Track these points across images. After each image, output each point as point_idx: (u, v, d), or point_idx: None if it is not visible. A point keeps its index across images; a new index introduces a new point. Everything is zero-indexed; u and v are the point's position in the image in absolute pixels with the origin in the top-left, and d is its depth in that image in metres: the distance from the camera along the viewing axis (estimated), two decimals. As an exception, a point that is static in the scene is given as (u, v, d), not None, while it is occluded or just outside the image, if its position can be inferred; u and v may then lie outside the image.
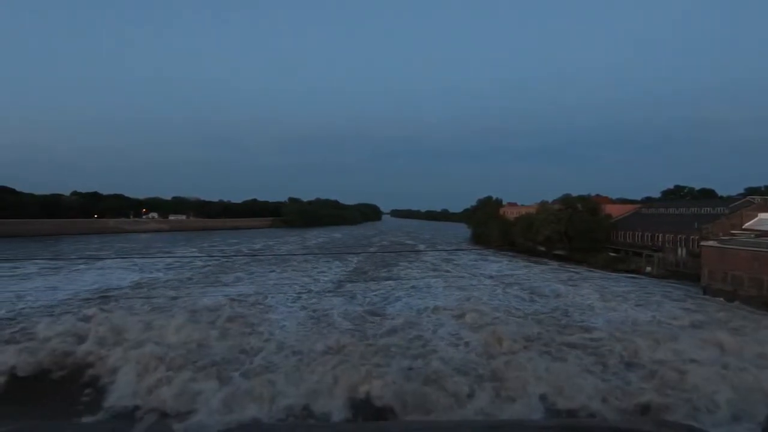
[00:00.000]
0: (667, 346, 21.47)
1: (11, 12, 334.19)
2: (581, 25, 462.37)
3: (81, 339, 21.07)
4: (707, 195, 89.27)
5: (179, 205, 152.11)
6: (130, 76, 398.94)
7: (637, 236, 58.01)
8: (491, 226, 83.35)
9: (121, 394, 16.64)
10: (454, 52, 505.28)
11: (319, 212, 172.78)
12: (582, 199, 69.13)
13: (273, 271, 46.65)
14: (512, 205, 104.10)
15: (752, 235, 39.08)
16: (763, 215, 44.42)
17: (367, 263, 56.20)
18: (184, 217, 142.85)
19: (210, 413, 15.48)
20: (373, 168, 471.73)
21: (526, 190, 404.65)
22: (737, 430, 14.17)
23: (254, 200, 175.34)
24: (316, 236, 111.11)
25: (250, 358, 19.75)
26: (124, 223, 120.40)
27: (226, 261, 51.25)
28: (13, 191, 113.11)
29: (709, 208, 53.61)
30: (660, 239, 53.23)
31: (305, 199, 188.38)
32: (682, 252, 47.90)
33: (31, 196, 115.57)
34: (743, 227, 43.82)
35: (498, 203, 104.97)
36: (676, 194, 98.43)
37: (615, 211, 69.58)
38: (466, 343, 22.19)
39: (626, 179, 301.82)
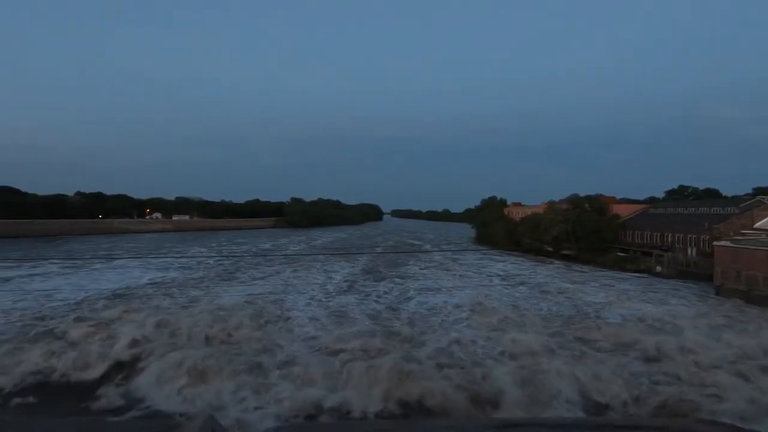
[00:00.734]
0: (687, 345, 21.63)
1: (11, 12, 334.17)
2: (581, 25, 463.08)
3: (111, 340, 21.17)
4: (711, 195, 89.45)
5: (182, 205, 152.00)
6: (132, 76, 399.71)
7: (646, 236, 58.21)
8: (497, 226, 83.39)
9: (148, 393, 16.71)
10: (454, 52, 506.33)
11: (322, 212, 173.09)
12: (590, 198, 69.33)
13: (285, 270, 46.92)
14: (517, 205, 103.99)
15: (764, 235, 39.28)
16: (774, 215, 44.67)
17: (377, 263, 56.38)
18: (187, 217, 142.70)
19: (244, 411, 15.61)
20: (374, 168, 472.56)
21: (527, 190, 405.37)
22: None
23: (256, 200, 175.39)
24: (321, 236, 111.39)
25: (280, 356, 19.80)
26: (129, 224, 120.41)
27: (239, 260, 51.52)
28: (16, 192, 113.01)
29: (718, 208, 53.81)
30: (669, 239, 53.44)
31: (307, 199, 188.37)
32: (692, 252, 48.10)
33: (35, 196, 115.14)
34: (754, 227, 44.02)
35: (503, 203, 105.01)
36: (680, 194, 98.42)
37: (622, 210, 69.78)
38: (488, 344, 22.29)
39: (627, 179, 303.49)
